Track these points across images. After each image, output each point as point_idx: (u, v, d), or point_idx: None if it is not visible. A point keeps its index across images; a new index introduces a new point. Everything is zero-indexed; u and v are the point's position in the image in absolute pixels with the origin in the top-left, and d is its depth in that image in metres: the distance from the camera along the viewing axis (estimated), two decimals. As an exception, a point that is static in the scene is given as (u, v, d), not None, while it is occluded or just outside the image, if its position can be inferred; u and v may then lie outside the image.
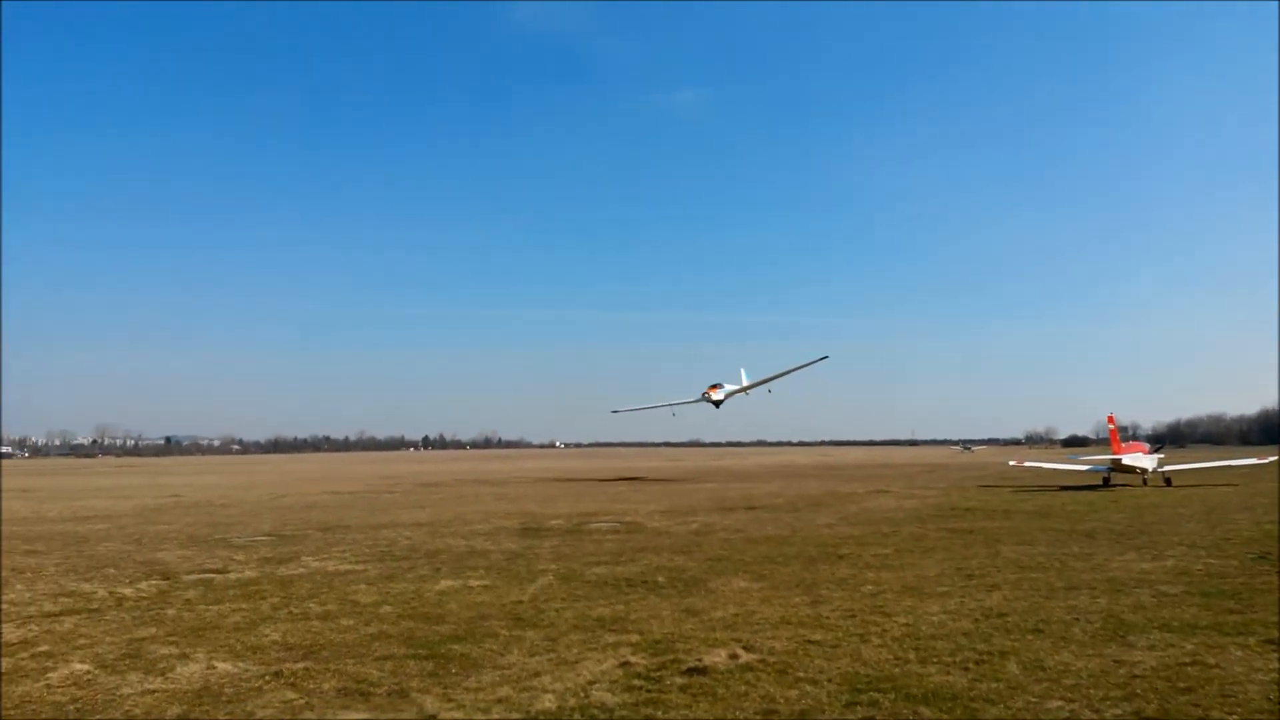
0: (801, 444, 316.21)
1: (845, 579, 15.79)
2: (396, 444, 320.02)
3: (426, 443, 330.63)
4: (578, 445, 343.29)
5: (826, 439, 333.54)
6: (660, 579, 16.01)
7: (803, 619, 12.35)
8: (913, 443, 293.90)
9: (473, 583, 15.92)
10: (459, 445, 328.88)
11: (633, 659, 10.18)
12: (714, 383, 61.99)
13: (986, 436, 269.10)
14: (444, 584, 15.82)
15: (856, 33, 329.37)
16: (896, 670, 9.59)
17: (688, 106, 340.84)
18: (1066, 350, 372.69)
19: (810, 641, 10.97)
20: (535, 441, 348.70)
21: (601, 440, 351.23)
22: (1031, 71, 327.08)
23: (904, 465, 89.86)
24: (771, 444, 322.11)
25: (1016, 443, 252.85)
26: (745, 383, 63.09)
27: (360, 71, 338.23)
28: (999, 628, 11.67)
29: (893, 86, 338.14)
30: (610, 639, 11.26)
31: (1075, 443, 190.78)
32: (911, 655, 10.23)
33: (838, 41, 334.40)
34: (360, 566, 18.24)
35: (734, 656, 10.18)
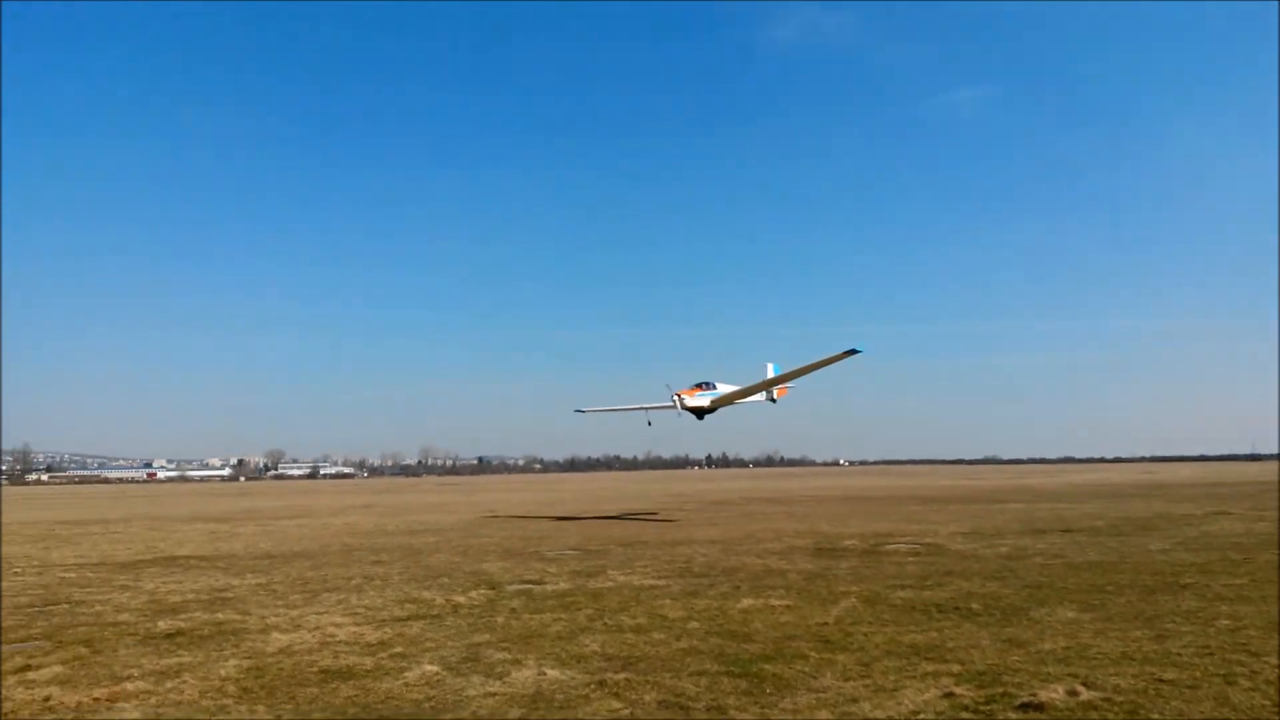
0: (1116, 460, 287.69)
1: (1193, 612, 14.01)
2: (681, 463, 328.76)
3: (710, 461, 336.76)
4: (863, 463, 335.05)
5: (1146, 454, 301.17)
6: (974, 605, 15.06)
7: (1148, 655, 11.09)
8: (1254, 457, 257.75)
9: (774, 602, 15.84)
10: (741, 464, 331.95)
11: (957, 690, 9.60)
12: (700, 381, 42.31)
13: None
14: (745, 602, 15.87)
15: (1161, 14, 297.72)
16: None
17: (968, 106, 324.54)
18: None
19: (1162, 680, 9.80)
20: (818, 459, 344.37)
21: (889, 457, 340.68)
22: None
23: (1245, 483, 78.91)
24: (1079, 460, 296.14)
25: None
26: (771, 375, 42.66)
27: (616, 101, 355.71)
28: None
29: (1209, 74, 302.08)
30: (929, 667, 10.71)
31: None
32: (1295, 704, 8.84)
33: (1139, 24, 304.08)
34: (663, 582, 18.76)
35: (1073, 693, 9.30)
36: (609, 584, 18.59)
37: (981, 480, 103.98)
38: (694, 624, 13.88)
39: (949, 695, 9.41)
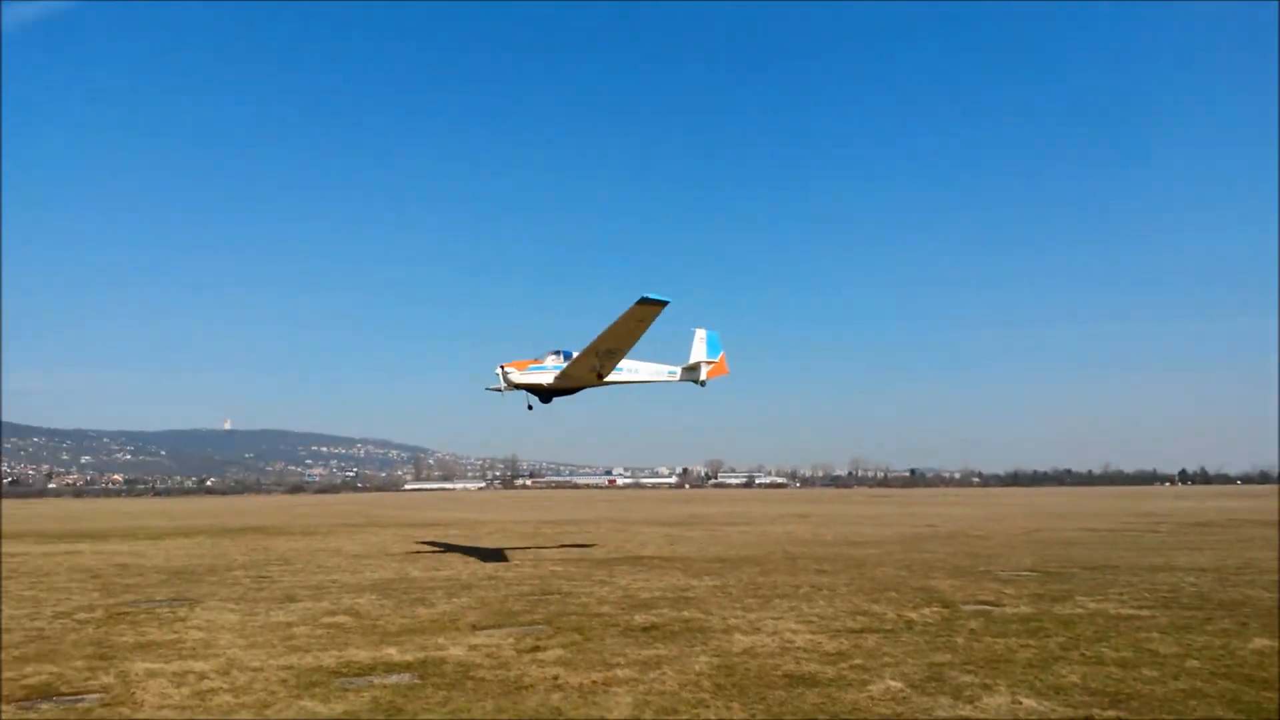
0: None
1: None
2: (1147, 478, 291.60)
3: (1183, 476, 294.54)
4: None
5: None
6: None
7: None
8: None
9: (1299, 645, 13.25)
10: (1225, 480, 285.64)
11: None
12: (554, 349, 29.04)
13: None
14: (1258, 642, 13.47)
15: None
16: None
17: None
18: None
19: None
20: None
21: None
22: None
23: None
24: None
25: None
26: (702, 343, 30.36)
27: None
28: None
29: None
30: None
31: None
32: None
33: None
34: (1145, 612, 16.63)
35: None
36: (1079, 610, 16.90)
37: None
38: (1193, 662, 12.07)
39: None
